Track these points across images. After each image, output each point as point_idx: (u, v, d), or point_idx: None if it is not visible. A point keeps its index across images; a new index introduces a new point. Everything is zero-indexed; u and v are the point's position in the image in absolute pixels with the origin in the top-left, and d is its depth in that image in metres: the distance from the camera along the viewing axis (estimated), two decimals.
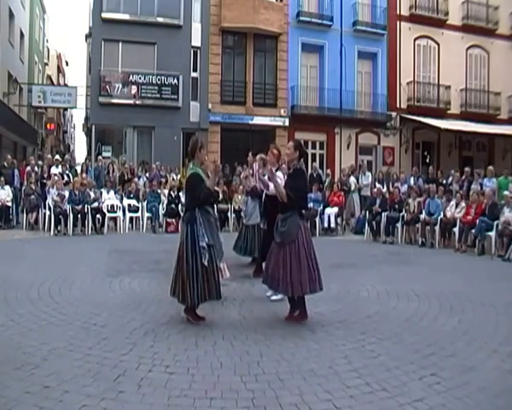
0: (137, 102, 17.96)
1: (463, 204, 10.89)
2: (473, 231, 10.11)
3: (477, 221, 10.05)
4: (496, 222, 9.82)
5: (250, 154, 7.54)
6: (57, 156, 17.04)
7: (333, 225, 12.79)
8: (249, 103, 19.28)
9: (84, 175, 13.39)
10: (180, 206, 12.27)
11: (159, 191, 13.05)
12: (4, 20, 21.07)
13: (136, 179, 13.90)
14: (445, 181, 14.04)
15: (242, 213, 7.90)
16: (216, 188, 6.06)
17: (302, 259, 4.58)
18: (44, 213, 11.58)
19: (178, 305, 4.66)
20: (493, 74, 22.39)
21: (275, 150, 6.37)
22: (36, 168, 13.62)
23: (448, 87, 21.38)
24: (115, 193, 12.86)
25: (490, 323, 4.90)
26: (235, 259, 7.54)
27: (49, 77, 36.78)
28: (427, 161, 21.40)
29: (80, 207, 11.24)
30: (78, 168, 15.16)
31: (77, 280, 6.32)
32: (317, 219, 12.55)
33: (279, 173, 5.94)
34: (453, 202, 11.16)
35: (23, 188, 12.62)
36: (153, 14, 18.18)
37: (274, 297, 5.45)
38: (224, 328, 4.50)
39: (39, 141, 29.83)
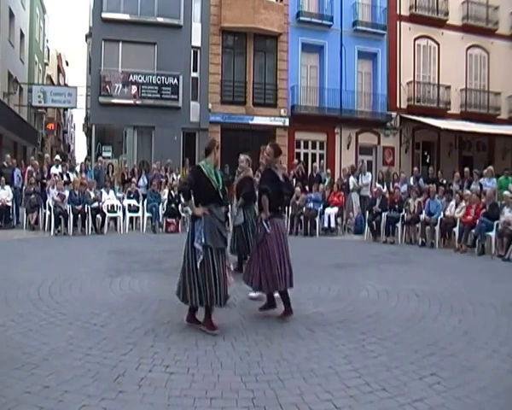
0: (137, 102, 17.96)
1: (463, 204, 10.87)
2: (473, 231, 10.09)
3: (477, 221, 10.05)
4: (496, 222, 9.82)
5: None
6: (57, 156, 17.04)
7: (333, 225, 12.77)
8: (249, 103, 19.28)
9: (83, 175, 13.38)
10: (180, 206, 12.26)
11: (159, 191, 13.04)
12: (4, 20, 21.09)
13: (134, 180, 13.87)
14: (445, 181, 14.01)
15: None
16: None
17: (272, 256, 4.75)
18: (44, 213, 11.56)
19: (179, 305, 4.64)
20: (493, 74, 22.39)
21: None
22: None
23: (448, 87, 21.38)
24: (118, 191, 12.83)
25: (490, 323, 4.90)
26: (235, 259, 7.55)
27: (49, 77, 36.79)
28: (427, 161, 21.40)
29: (80, 207, 11.22)
30: (78, 169, 15.13)
31: (77, 280, 6.31)
32: (317, 219, 12.55)
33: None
34: (453, 202, 11.15)
35: (23, 188, 12.61)
36: (153, 14, 18.20)
37: (252, 294, 5.47)
38: (225, 328, 4.49)
39: (39, 141, 29.85)
